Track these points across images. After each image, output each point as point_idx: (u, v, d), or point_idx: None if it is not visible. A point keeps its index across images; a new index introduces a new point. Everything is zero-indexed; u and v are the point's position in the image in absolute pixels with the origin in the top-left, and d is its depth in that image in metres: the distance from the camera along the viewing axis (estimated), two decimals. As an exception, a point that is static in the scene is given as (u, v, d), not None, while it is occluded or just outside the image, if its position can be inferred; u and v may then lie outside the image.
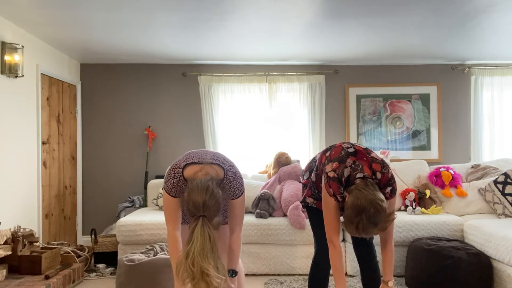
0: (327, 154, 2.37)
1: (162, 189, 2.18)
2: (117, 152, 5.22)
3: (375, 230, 2.03)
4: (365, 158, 2.24)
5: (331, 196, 2.22)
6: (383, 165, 2.24)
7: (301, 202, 2.61)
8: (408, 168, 4.58)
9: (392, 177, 2.26)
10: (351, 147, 2.30)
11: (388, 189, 2.24)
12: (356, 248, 2.58)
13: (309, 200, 2.56)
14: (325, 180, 2.26)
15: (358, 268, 3.79)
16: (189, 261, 1.86)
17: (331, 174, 2.22)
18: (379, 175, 2.22)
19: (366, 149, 2.31)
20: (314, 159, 2.56)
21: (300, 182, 4.38)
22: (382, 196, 2.06)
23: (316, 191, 2.51)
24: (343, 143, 2.39)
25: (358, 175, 2.17)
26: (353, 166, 2.21)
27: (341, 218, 2.24)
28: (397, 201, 4.32)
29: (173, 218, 2.21)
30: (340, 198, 2.21)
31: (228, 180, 2.22)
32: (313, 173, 2.51)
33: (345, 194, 2.15)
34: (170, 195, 2.19)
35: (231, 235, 2.31)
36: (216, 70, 5.19)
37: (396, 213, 4.19)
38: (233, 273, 2.26)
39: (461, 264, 3.22)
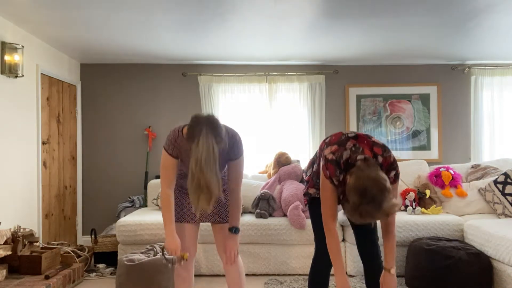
0: (327, 140, 2.32)
1: (163, 147, 2.31)
2: (117, 152, 5.22)
3: (379, 214, 1.89)
4: (366, 142, 2.17)
5: (327, 178, 2.15)
6: (385, 148, 2.16)
7: (304, 196, 2.54)
8: (408, 168, 4.58)
9: (395, 161, 2.17)
10: (351, 133, 2.25)
11: (392, 173, 2.14)
12: (360, 245, 2.49)
13: (312, 190, 2.47)
14: (323, 162, 2.19)
15: (358, 268, 3.79)
16: (197, 168, 1.98)
17: (329, 156, 2.15)
18: (380, 159, 2.13)
19: (367, 134, 2.26)
20: (315, 154, 2.54)
21: (300, 181, 4.39)
22: (385, 176, 1.93)
23: (318, 181, 2.42)
24: (344, 131, 2.37)
25: (359, 157, 2.09)
26: (353, 149, 2.14)
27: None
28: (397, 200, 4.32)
29: (168, 176, 2.29)
30: (337, 182, 2.14)
31: (230, 135, 2.29)
32: (314, 165, 2.48)
33: (347, 177, 2.06)
34: (168, 153, 2.27)
35: (232, 194, 2.40)
36: (216, 70, 5.19)
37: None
38: (236, 229, 2.39)
39: (461, 264, 3.22)
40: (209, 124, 2.07)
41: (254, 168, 5.05)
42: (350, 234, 3.83)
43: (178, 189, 2.51)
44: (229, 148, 2.29)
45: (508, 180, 4.04)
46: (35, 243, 3.54)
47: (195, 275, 3.90)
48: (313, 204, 2.51)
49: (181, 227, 2.49)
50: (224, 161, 2.36)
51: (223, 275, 3.82)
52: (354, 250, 3.75)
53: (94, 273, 3.93)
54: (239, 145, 2.35)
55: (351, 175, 2.00)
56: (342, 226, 3.93)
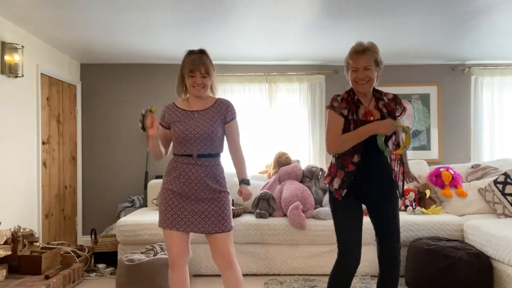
0: None
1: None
2: (117, 152, 5.22)
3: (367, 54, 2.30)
4: None
5: (329, 108, 2.40)
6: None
7: (330, 193, 2.47)
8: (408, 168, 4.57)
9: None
10: None
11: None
12: (380, 242, 2.47)
13: (336, 182, 2.40)
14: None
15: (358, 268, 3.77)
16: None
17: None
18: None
19: None
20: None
21: (300, 181, 4.39)
22: None
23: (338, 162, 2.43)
24: None
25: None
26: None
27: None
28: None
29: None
30: (337, 105, 2.38)
31: (223, 99, 2.55)
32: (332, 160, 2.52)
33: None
34: (161, 124, 2.46)
35: (236, 153, 2.55)
36: (216, 70, 5.12)
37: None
38: (246, 180, 2.52)
39: (461, 264, 3.22)
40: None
41: (254, 168, 5.05)
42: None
43: (169, 193, 2.40)
44: (225, 109, 2.49)
45: (508, 180, 4.04)
46: (35, 243, 3.54)
47: (195, 275, 3.90)
48: (336, 206, 2.46)
49: (170, 234, 2.38)
50: (220, 122, 2.46)
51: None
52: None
53: (94, 273, 3.93)
54: (233, 107, 2.54)
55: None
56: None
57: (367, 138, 2.29)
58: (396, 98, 2.45)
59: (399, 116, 2.45)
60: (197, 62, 2.39)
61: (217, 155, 2.47)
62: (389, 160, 2.42)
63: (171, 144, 2.54)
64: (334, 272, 2.45)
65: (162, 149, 2.47)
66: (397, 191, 2.45)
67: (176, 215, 2.37)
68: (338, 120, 2.37)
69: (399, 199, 2.49)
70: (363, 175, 2.36)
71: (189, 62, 2.41)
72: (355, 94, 2.42)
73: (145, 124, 2.37)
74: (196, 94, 2.44)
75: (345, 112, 2.37)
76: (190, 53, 2.46)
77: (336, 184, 2.40)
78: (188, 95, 2.51)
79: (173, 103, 2.53)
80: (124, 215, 4.63)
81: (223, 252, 2.39)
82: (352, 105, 2.39)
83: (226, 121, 2.49)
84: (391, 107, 2.40)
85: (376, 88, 2.47)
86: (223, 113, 2.48)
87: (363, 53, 2.33)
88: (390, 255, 2.44)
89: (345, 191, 2.36)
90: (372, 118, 2.36)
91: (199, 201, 2.38)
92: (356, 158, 2.34)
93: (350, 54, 2.37)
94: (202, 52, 2.47)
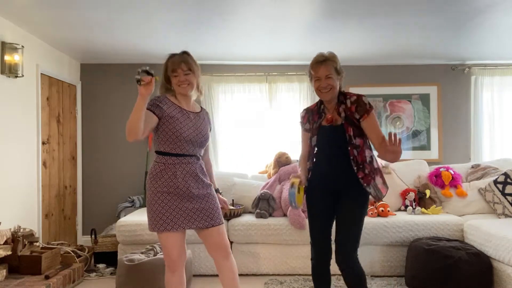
0: None
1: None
2: (117, 152, 5.21)
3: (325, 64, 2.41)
4: None
5: (300, 126, 2.69)
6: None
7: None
8: (408, 168, 4.58)
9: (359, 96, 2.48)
10: None
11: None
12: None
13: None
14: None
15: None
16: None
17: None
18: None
19: None
20: None
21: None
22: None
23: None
24: None
25: None
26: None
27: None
28: (397, 201, 4.33)
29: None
30: (301, 120, 2.66)
31: (206, 112, 2.64)
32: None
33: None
34: (151, 110, 2.40)
35: (208, 164, 2.67)
36: (216, 70, 5.19)
37: (395, 213, 4.18)
38: (217, 190, 2.68)
39: (461, 264, 3.22)
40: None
41: (254, 168, 5.05)
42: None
43: (164, 195, 2.38)
44: (208, 120, 2.60)
45: (508, 180, 4.04)
46: (35, 243, 3.54)
47: (196, 275, 3.90)
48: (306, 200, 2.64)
49: (168, 236, 2.38)
50: (206, 131, 2.53)
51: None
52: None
53: (94, 273, 3.93)
54: (209, 119, 2.65)
55: None
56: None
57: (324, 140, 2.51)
58: (358, 100, 2.44)
59: (359, 119, 2.42)
60: (178, 61, 2.42)
61: (202, 157, 2.59)
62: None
63: (152, 138, 2.50)
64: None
65: (142, 126, 2.26)
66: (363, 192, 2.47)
67: (172, 216, 2.37)
68: (303, 135, 2.66)
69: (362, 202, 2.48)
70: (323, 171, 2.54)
71: (170, 63, 2.45)
72: (322, 103, 2.57)
73: (141, 80, 2.22)
74: (182, 92, 2.45)
75: (307, 126, 2.61)
76: (172, 55, 2.49)
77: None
78: (175, 96, 2.52)
79: (165, 95, 2.50)
80: (124, 215, 4.63)
81: (220, 244, 2.46)
82: (315, 115, 2.56)
83: (209, 129, 2.62)
84: (351, 110, 2.43)
85: (343, 91, 2.54)
86: (208, 122, 2.61)
87: (322, 63, 2.43)
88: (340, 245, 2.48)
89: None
90: (334, 123, 2.47)
91: (193, 198, 2.41)
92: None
93: (311, 64, 2.48)
94: (184, 53, 2.49)
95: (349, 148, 2.42)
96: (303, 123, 2.65)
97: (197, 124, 2.47)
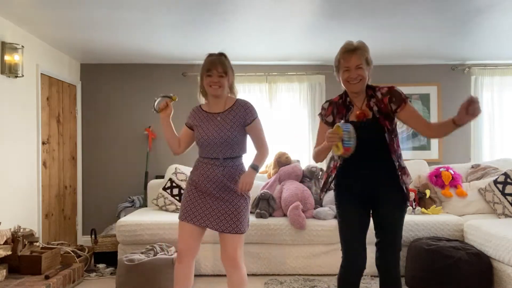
0: None
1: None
2: (117, 152, 5.21)
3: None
4: None
5: (319, 116, 2.44)
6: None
7: (322, 188, 2.45)
8: (408, 168, 4.55)
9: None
10: None
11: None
12: (379, 251, 2.36)
13: (332, 163, 2.41)
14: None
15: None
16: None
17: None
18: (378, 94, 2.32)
19: None
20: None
21: (300, 181, 4.39)
22: None
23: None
24: None
25: None
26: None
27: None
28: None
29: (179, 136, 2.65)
30: (324, 112, 2.39)
31: (242, 100, 2.55)
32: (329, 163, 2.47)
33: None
34: (186, 123, 2.62)
35: (261, 148, 2.60)
36: (216, 70, 5.19)
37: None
38: (255, 166, 2.52)
39: (461, 264, 3.22)
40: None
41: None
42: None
43: (192, 187, 2.51)
44: (243, 112, 2.49)
45: (508, 180, 4.04)
46: (35, 243, 3.54)
47: (196, 275, 3.89)
48: (338, 196, 2.37)
49: (183, 227, 2.48)
50: (240, 126, 2.47)
51: (224, 275, 3.82)
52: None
53: (94, 273, 3.93)
54: (252, 107, 2.54)
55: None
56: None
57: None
58: (391, 91, 2.29)
59: (397, 109, 2.25)
60: (215, 62, 2.44)
61: (237, 157, 2.53)
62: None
63: (191, 144, 2.66)
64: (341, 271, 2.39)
65: (176, 143, 2.60)
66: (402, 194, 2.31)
67: (194, 209, 2.46)
68: (322, 129, 2.38)
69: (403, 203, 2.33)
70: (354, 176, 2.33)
71: (207, 62, 2.47)
72: (347, 96, 2.36)
73: (158, 106, 2.54)
74: (213, 93, 2.47)
75: (330, 118, 2.35)
76: (210, 55, 2.52)
77: (332, 164, 2.45)
78: (206, 97, 2.57)
79: (200, 105, 2.62)
80: (124, 215, 4.62)
81: (229, 253, 2.46)
82: (342, 109, 2.32)
83: (246, 123, 2.51)
84: (384, 103, 2.26)
85: (370, 84, 2.37)
86: (243, 115, 2.50)
87: (353, 52, 2.26)
88: (387, 250, 2.40)
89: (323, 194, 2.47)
90: (365, 118, 2.27)
91: (217, 199, 2.45)
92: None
93: (340, 53, 2.31)
94: (221, 54, 2.53)
95: (389, 144, 2.24)
96: (325, 115, 2.38)
97: (220, 126, 2.47)
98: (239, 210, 2.45)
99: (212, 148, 2.47)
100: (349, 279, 2.34)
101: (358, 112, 2.27)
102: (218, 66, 2.43)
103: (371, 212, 2.38)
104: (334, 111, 2.35)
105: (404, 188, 2.30)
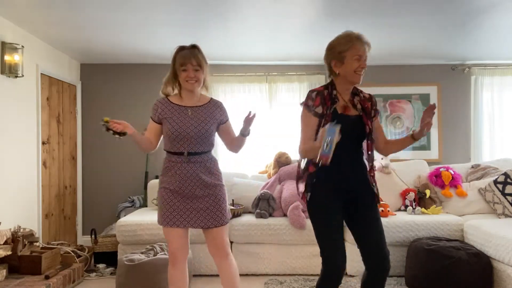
0: None
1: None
2: (117, 152, 5.21)
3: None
4: None
5: (304, 107, 2.20)
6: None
7: (305, 190, 2.29)
8: (408, 168, 4.58)
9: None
10: None
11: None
12: (362, 240, 2.23)
13: (301, 186, 2.28)
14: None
15: (358, 268, 3.78)
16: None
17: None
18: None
19: None
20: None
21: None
22: None
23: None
24: None
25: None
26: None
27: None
28: (397, 201, 4.32)
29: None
30: (311, 103, 2.17)
31: (217, 102, 2.55)
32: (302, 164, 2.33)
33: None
34: (151, 118, 2.50)
35: (234, 141, 2.59)
36: (216, 70, 5.19)
37: (395, 213, 4.18)
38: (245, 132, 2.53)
39: (461, 264, 3.22)
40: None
41: (254, 168, 5.05)
42: (349, 233, 3.82)
43: (166, 191, 2.43)
44: (219, 111, 2.51)
45: (508, 180, 4.04)
46: (35, 243, 3.54)
47: (195, 275, 3.90)
48: (310, 204, 2.24)
49: (170, 231, 2.42)
50: (215, 123, 2.47)
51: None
52: (354, 250, 3.74)
53: (94, 273, 3.93)
54: (225, 108, 2.57)
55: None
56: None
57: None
58: (372, 98, 2.31)
59: (373, 116, 2.27)
60: (189, 56, 2.39)
61: (209, 151, 2.50)
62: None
63: (161, 138, 2.54)
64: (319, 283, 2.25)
65: (148, 144, 2.47)
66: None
67: (175, 213, 2.41)
68: (310, 121, 2.18)
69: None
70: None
71: (180, 56, 2.41)
72: (334, 88, 2.22)
73: (112, 129, 2.32)
74: (189, 88, 2.43)
75: (320, 110, 2.16)
76: (181, 48, 2.45)
77: (301, 186, 2.32)
78: (179, 91, 2.51)
79: (166, 97, 2.52)
80: (124, 215, 4.63)
81: (218, 244, 2.46)
82: (328, 100, 2.17)
83: (221, 122, 2.53)
84: (366, 104, 2.25)
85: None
86: (219, 114, 2.51)
87: (365, 43, 2.19)
88: (376, 238, 2.25)
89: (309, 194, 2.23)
90: (349, 112, 2.19)
91: (196, 198, 2.41)
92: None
93: (351, 40, 2.16)
94: (194, 47, 2.45)
95: (368, 142, 2.22)
96: (313, 106, 2.17)
97: (194, 120, 2.41)
98: (220, 202, 2.44)
99: (186, 141, 2.39)
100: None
101: (344, 105, 2.20)
102: (192, 59, 2.38)
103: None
104: (321, 102, 2.18)
105: (374, 188, 2.28)
